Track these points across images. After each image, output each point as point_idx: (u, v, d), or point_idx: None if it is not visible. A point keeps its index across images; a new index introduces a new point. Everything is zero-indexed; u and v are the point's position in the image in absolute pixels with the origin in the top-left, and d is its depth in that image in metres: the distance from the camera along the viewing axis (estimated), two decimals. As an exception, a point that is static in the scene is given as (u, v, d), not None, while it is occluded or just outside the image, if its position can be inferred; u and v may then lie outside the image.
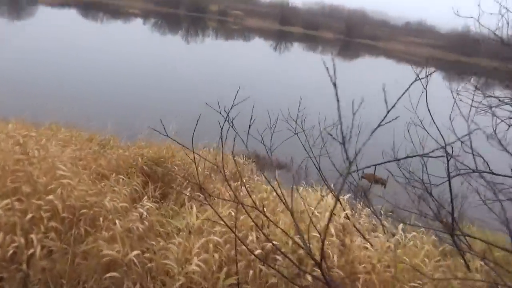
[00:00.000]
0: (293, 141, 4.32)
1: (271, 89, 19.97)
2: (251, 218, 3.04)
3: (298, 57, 44.86)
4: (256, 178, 5.99)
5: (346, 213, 4.29)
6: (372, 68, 46.54)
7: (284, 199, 2.72)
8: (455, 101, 3.72)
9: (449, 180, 3.37)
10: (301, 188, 5.28)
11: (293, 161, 9.51)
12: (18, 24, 31.25)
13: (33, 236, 3.16)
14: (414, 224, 4.21)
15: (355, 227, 4.17)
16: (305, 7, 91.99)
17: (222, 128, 2.91)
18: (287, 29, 77.57)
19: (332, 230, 3.81)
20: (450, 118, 3.54)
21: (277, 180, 3.54)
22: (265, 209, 3.83)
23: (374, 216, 4.75)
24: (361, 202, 5.13)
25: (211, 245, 3.33)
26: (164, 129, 3.27)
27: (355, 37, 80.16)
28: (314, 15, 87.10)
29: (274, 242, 3.24)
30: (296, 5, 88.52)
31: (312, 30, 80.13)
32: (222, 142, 2.93)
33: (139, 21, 55.04)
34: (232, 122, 3.05)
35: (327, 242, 3.61)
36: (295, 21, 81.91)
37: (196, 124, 2.99)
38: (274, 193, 4.12)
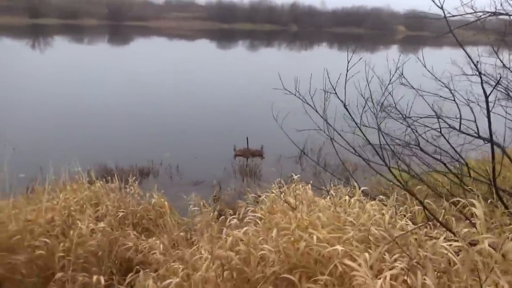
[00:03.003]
0: None
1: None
2: None
3: (63, 51, 39.70)
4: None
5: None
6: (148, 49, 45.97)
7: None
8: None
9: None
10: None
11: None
12: None
13: None
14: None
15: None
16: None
17: None
18: (40, 21, 67.43)
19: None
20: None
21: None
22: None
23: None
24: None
25: None
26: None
27: (122, 20, 76.74)
28: (69, 2, 78.14)
29: None
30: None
31: (71, 20, 72.19)
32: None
33: None
34: None
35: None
36: (47, 12, 71.76)
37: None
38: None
